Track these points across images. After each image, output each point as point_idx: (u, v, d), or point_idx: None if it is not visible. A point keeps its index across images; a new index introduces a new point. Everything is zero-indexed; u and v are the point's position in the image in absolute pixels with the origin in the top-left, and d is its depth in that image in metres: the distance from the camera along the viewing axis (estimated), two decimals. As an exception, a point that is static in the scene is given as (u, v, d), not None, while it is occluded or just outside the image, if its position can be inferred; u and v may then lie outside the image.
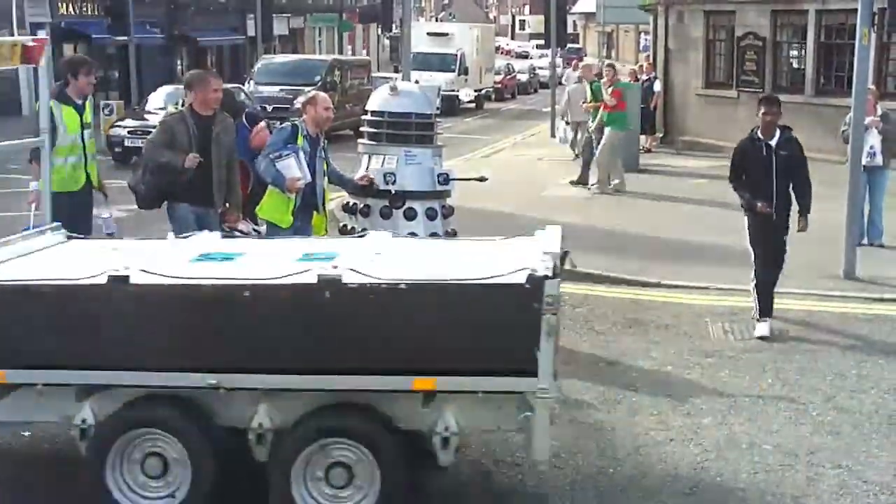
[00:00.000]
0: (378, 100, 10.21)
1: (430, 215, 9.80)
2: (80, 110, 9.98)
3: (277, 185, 9.11)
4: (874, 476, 6.84)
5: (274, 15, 40.50)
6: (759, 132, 10.24)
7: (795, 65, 27.31)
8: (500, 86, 51.49)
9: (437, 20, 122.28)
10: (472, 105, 44.13)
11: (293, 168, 9.11)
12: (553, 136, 30.33)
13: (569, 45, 67.46)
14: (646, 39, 48.32)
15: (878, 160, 14.03)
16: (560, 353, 9.23)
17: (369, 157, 10.01)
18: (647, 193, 19.70)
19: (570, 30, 67.86)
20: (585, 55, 78.96)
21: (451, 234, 9.98)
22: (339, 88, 31.39)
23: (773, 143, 10.14)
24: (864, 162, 13.49)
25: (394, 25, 33.27)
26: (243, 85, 31.18)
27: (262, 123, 11.35)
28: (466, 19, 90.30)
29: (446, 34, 48.21)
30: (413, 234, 9.55)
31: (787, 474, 6.85)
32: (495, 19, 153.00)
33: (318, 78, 30.96)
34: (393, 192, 9.63)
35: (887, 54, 24.92)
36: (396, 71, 39.28)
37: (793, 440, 7.44)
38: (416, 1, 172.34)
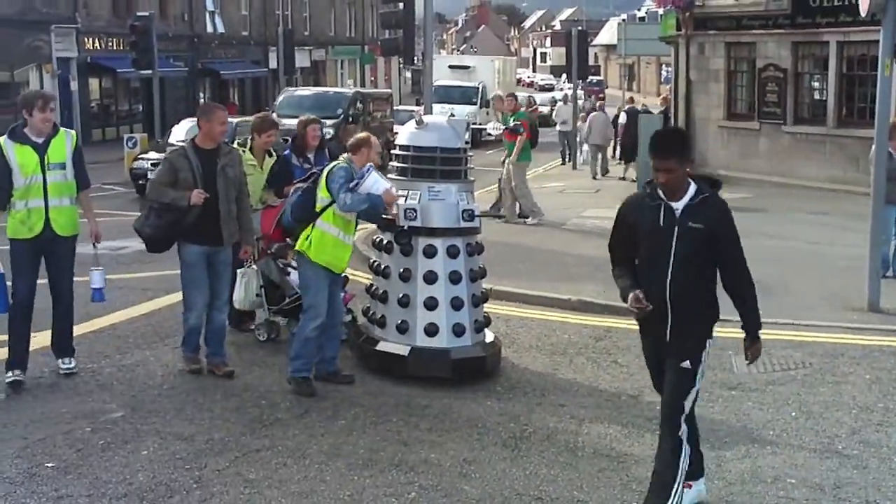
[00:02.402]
0: (405, 134, 10.12)
1: (452, 253, 9.68)
2: (40, 150, 8.97)
3: (376, 206, 8.93)
4: (901, 510, 6.78)
5: (296, 47, 40.74)
6: (659, 187, 6.35)
7: (817, 96, 27.28)
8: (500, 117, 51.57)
9: (458, 53, 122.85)
10: (491, 138, 44.21)
11: (380, 182, 8.99)
12: (563, 162, 31.49)
13: (590, 78, 67.70)
14: (667, 71, 48.33)
15: None
16: (582, 386, 9.28)
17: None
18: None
19: (591, 62, 68.10)
20: (607, 87, 79.23)
21: (479, 273, 9.92)
22: (361, 121, 31.51)
23: (677, 206, 6.29)
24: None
25: (415, 58, 33.33)
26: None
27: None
28: (488, 52, 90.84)
29: (468, 67, 48.45)
30: (432, 273, 9.55)
31: (812, 508, 6.79)
32: (517, 52, 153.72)
33: (340, 110, 31.13)
34: (405, 227, 9.53)
35: (909, 85, 24.82)
36: (418, 103, 39.44)
37: (819, 474, 7.37)
38: (437, 34, 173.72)
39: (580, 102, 37.04)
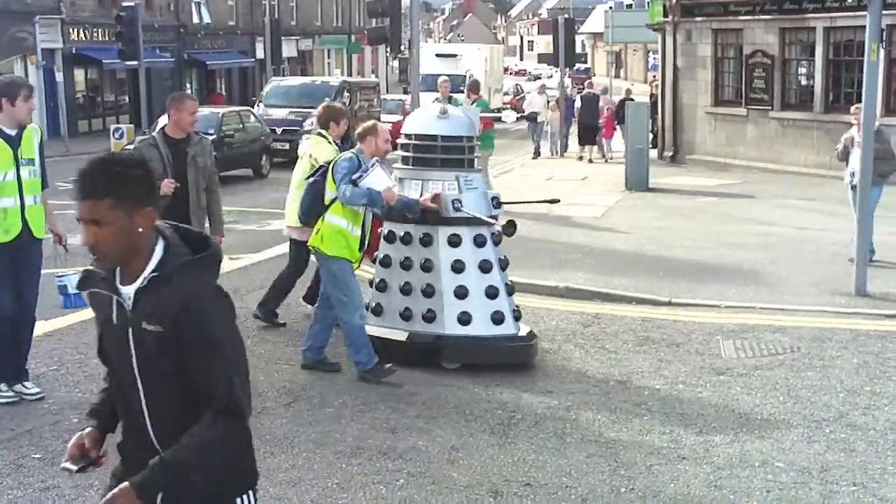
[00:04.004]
0: (422, 123, 9.92)
1: (480, 242, 9.63)
2: (14, 143, 8.10)
3: (375, 202, 8.88)
4: (890, 493, 6.77)
5: (283, 37, 40.64)
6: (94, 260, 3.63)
7: (804, 82, 27.34)
8: (508, 106, 51.59)
9: (445, 41, 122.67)
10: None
11: (384, 179, 8.94)
12: (535, 155, 31.43)
13: (577, 66, 67.68)
14: (654, 58, 48.39)
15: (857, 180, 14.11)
16: (570, 372, 9.28)
17: (419, 182, 9.67)
18: (656, 212, 19.69)
19: (578, 50, 68.03)
20: (594, 75, 79.15)
21: (504, 263, 9.89)
22: (348, 110, 31.42)
23: (127, 291, 3.52)
24: (852, 181, 13.86)
25: (402, 47, 33.33)
26: (253, 107, 31.25)
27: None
28: (475, 40, 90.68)
29: (455, 55, 48.36)
30: (459, 262, 9.51)
31: (800, 492, 6.79)
32: (504, 40, 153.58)
33: (327, 100, 30.99)
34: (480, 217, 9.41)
35: (895, 70, 24.92)
36: (405, 92, 39.37)
37: (806, 458, 7.38)
38: (424, 22, 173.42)
39: (567, 90, 37.04)
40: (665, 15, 30.53)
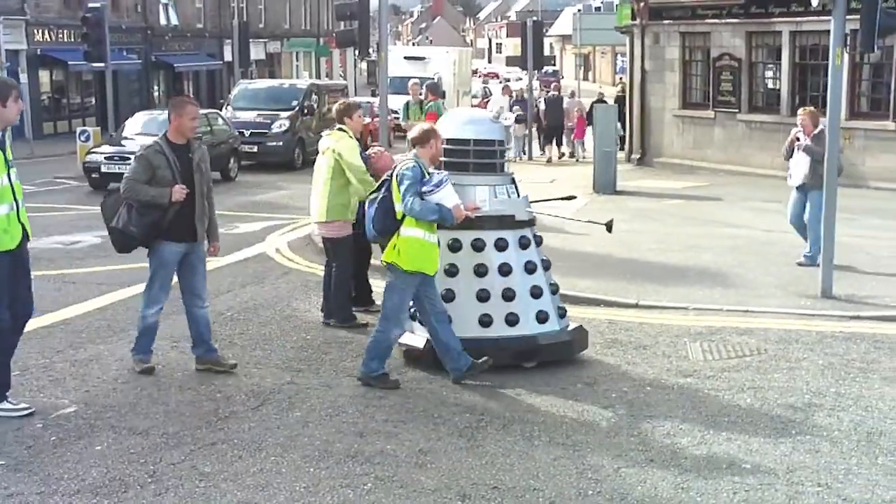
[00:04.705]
0: (455, 127, 9.81)
1: (524, 244, 9.72)
2: (2, 146, 7.91)
3: (445, 219, 8.76)
4: (854, 494, 6.82)
5: (251, 40, 40.51)
6: None
7: (771, 85, 27.54)
8: (477, 108, 51.62)
9: (414, 44, 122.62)
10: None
11: (453, 195, 8.82)
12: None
13: (545, 68, 67.79)
14: (622, 61, 48.58)
15: (796, 181, 14.54)
16: (538, 375, 9.29)
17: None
18: (623, 215, 19.74)
19: (547, 52, 68.21)
20: (562, 77, 79.36)
21: (547, 265, 9.94)
22: (316, 113, 31.41)
23: None
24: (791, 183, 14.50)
25: (371, 50, 33.28)
26: (220, 110, 31.13)
27: (380, 147, 11.60)
28: (443, 43, 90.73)
29: (423, 58, 48.36)
30: (506, 266, 9.53)
31: (767, 493, 6.82)
32: (472, 43, 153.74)
33: (295, 103, 31.01)
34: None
35: (860, 74, 25.16)
36: (373, 95, 39.33)
37: (772, 459, 7.42)
38: (393, 25, 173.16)
39: (535, 93, 37.11)
40: (633, 18, 30.66)
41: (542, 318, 9.62)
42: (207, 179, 9.38)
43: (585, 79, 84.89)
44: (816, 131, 14.26)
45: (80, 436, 7.76)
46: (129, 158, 23.83)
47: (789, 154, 14.66)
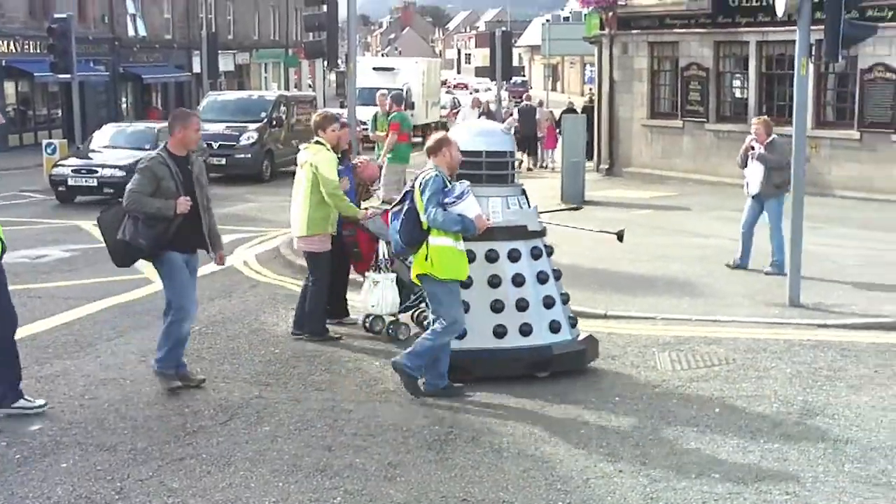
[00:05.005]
0: (467, 139, 9.79)
1: (536, 254, 9.77)
2: None
3: (468, 230, 8.78)
4: (821, 501, 6.86)
5: (219, 51, 40.41)
6: None
7: (739, 94, 27.69)
8: (446, 119, 51.68)
9: (383, 55, 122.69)
10: (420, 139, 44.24)
11: (475, 206, 8.85)
12: None
13: (514, 79, 67.94)
14: (591, 71, 48.75)
15: (753, 190, 14.71)
16: (507, 387, 9.29)
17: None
18: (591, 225, 19.75)
19: (516, 62, 68.36)
20: (531, 88, 79.57)
21: (558, 275, 9.97)
22: (285, 125, 31.34)
23: None
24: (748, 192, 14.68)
25: (339, 60, 33.23)
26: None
27: (366, 157, 11.74)
28: (412, 54, 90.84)
29: (392, 69, 48.36)
30: (519, 276, 9.57)
31: (735, 502, 6.84)
32: (441, 53, 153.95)
33: (264, 114, 30.92)
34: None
35: (825, 83, 25.35)
36: (342, 106, 39.31)
37: (741, 468, 7.45)
38: (362, 36, 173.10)
39: (504, 104, 37.18)
40: (602, 28, 30.77)
41: (554, 327, 9.68)
42: (207, 191, 9.37)
43: (554, 89, 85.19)
44: (769, 140, 14.47)
45: (45, 453, 7.69)
46: (96, 171, 24.11)
47: (744, 163, 14.80)
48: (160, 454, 7.66)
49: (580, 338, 9.97)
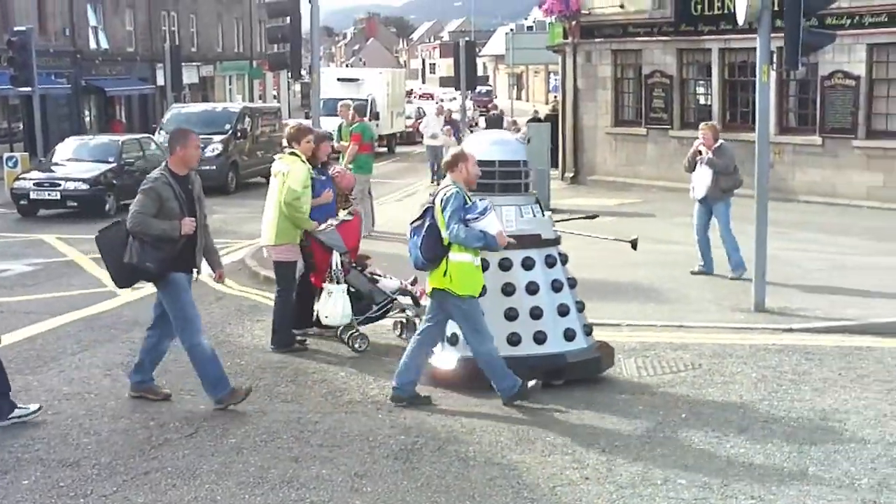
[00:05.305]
0: (480, 149, 9.79)
1: (550, 263, 9.79)
2: None
3: (490, 246, 8.82)
4: (787, 506, 6.91)
5: (183, 64, 40.25)
6: None
7: (702, 101, 27.86)
8: (411, 129, 51.72)
9: (347, 66, 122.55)
10: (385, 149, 44.26)
11: (496, 223, 8.90)
12: (433, 180, 30.02)
13: (479, 88, 68.08)
14: (555, 80, 48.92)
15: (699, 194, 14.94)
16: (473, 395, 9.28)
17: None
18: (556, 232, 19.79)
19: (480, 72, 68.51)
20: (496, 97, 79.74)
21: (572, 283, 9.99)
22: (249, 136, 31.25)
23: None
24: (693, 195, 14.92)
25: (303, 71, 33.18)
26: (153, 135, 30.87)
27: (342, 168, 11.81)
28: (377, 64, 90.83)
29: (356, 79, 48.38)
30: (533, 284, 9.58)
31: (702, 508, 6.88)
32: (406, 64, 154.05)
33: (228, 126, 30.83)
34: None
35: (787, 90, 25.55)
36: (307, 117, 39.24)
37: (707, 473, 7.47)
38: (326, 47, 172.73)
39: (469, 113, 37.22)
40: (565, 36, 30.88)
41: (569, 335, 9.72)
42: (205, 209, 9.28)
43: (519, 98, 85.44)
44: (717, 145, 14.67)
45: (5, 470, 7.61)
46: (59, 184, 23.93)
47: (691, 167, 14.94)
48: (125, 469, 7.60)
49: (595, 346, 10.01)
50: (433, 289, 9.03)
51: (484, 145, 10.00)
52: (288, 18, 18.04)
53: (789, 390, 9.51)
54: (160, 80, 46.17)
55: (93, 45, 49.60)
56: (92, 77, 48.72)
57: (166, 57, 36.03)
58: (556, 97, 37.67)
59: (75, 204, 23.90)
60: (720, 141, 14.91)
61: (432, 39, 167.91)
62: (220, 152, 29.76)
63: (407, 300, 11.61)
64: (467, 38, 38.13)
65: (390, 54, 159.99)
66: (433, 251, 8.91)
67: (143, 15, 54.09)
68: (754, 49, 12.95)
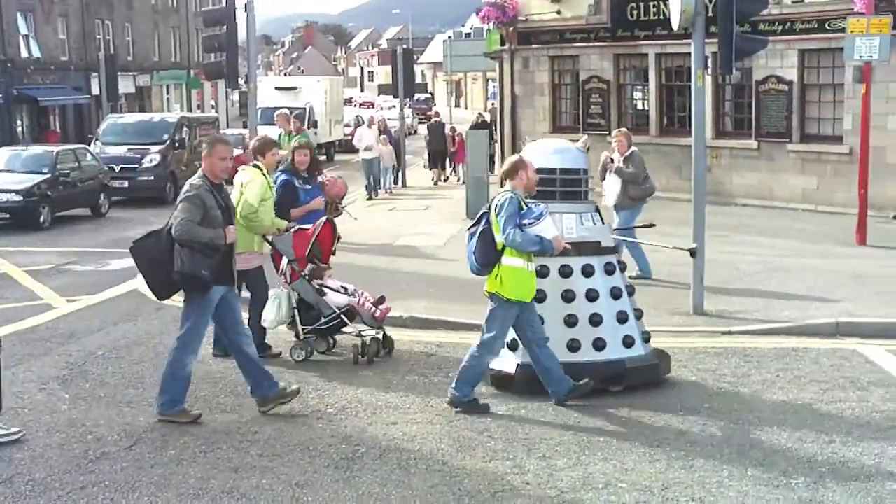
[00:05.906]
0: (541, 156, 9.87)
1: (610, 270, 9.82)
2: None
3: (546, 250, 8.87)
4: (726, 507, 6.95)
5: (119, 73, 39.91)
6: None
7: (640, 106, 28.06)
8: (349, 137, 51.54)
9: (285, 74, 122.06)
10: (324, 157, 44.08)
11: (552, 227, 8.94)
12: (370, 196, 29.48)
13: (417, 96, 68.14)
14: (494, 86, 49.05)
15: (610, 201, 15.12)
16: (414, 403, 9.26)
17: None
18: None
19: (418, 80, 68.56)
20: (435, 104, 79.77)
21: (631, 290, 10.02)
22: (187, 146, 31.03)
23: None
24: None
25: (241, 81, 33.01)
26: (89, 145, 30.55)
27: (333, 175, 11.81)
28: (315, 72, 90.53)
29: (294, 88, 48.21)
30: (593, 291, 9.62)
31: (642, 511, 6.90)
32: (344, 72, 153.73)
33: (166, 136, 30.61)
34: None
35: (723, 95, 25.81)
36: (245, 126, 39.05)
37: (648, 476, 7.50)
38: (264, 56, 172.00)
39: (407, 121, 37.21)
40: (503, 43, 30.98)
41: (628, 342, 9.76)
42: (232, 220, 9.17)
43: (457, 105, 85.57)
44: (629, 153, 14.82)
45: (-60, 487, 7.48)
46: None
47: (602, 175, 15.09)
48: (60, 484, 7.48)
49: (652, 353, 10.07)
50: (489, 292, 9.12)
51: (545, 153, 10.09)
52: (224, 27, 17.97)
53: (728, 392, 9.58)
54: (95, 90, 45.71)
55: (24, 53, 48.93)
56: (24, 86, 48.04)
57: (101, 66, 35.75)
58: (493, 104, 37.75)
59: (7, 216, 23.56)
60: (633, 149, 15.08)
61: (370, 47, 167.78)
62: (158, 163, 29.56)
63: (362, 326, 11.38)
64: (405, 46, 38.20)
65: (329, 62, 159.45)
66: (487, 256, 9.02)
67: (77, 23, 53.45)
68: (690, 54, 13.07)
